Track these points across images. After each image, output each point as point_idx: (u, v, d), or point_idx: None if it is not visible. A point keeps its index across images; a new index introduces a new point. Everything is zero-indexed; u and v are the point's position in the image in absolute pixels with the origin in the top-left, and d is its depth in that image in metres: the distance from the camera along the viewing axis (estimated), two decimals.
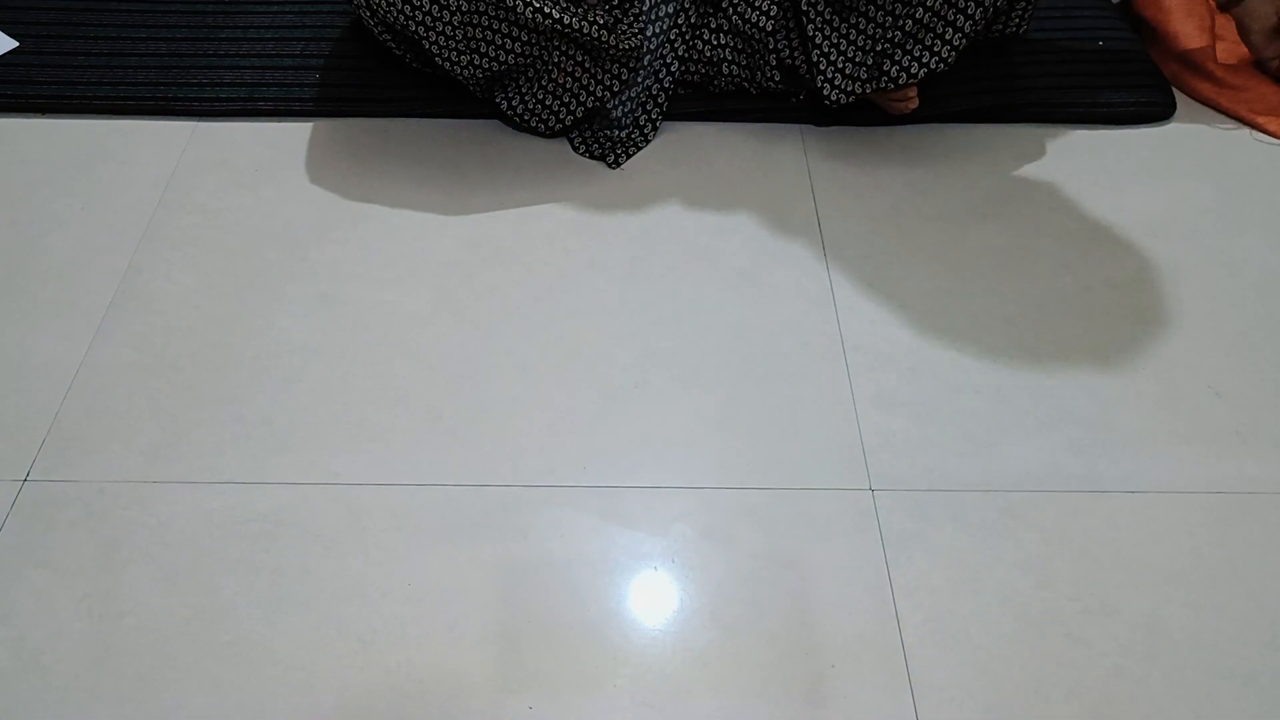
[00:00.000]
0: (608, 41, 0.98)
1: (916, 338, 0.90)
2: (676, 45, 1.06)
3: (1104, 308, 0.93)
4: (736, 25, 1.05)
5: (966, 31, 0.97)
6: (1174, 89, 1.15)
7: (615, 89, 1.04)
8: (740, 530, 0.77)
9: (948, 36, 0.97)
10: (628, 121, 1.07)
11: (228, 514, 0.77)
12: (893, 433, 0.83)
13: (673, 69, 1.06)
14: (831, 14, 1.01)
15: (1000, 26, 1.06)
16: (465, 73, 1.00)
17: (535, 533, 0.77)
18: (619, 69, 1.03)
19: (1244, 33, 1.10)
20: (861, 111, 1.09)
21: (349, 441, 0.82)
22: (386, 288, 0.93)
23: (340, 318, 0.91)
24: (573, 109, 1.04)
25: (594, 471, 0.81)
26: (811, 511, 0.78)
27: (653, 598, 0.74)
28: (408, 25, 0.96)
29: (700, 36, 1.07)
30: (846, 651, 0.71)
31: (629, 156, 1.05)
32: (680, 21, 1.05)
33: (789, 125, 1.10)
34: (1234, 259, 0.98)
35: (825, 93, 1.01)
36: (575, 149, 1.06)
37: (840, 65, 1.00)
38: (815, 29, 1.01)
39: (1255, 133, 1.11)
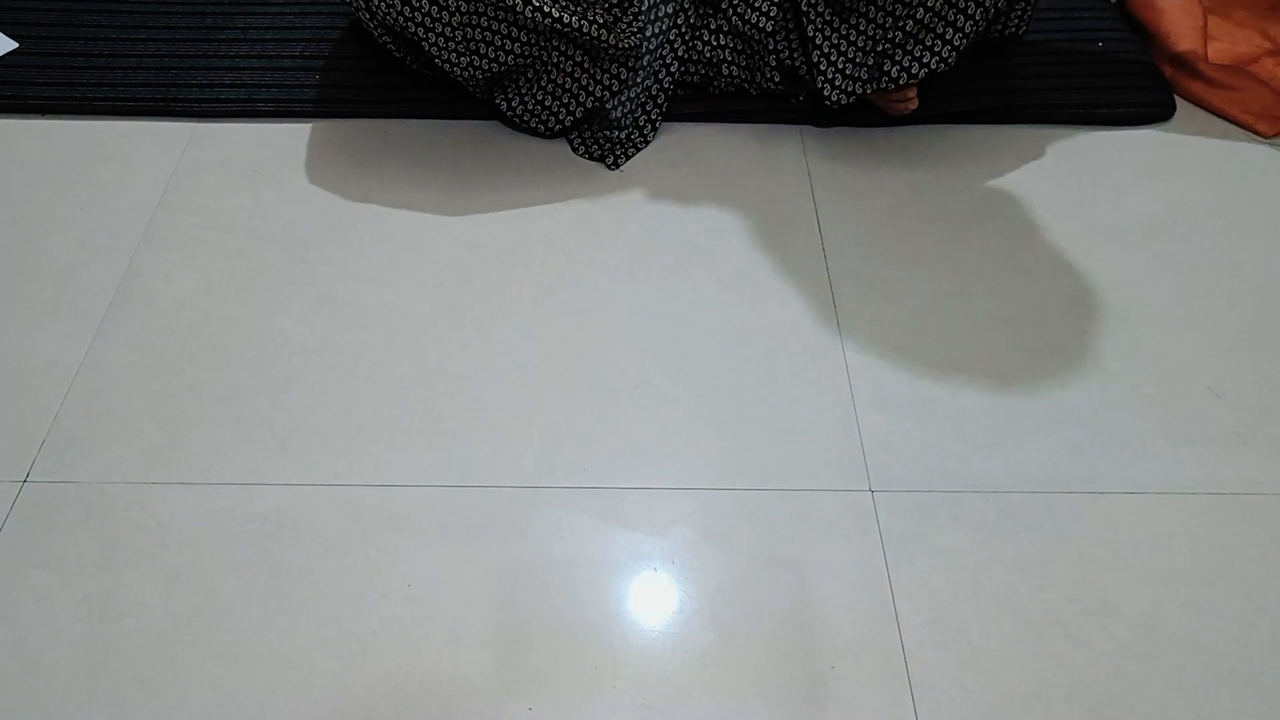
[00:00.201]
0: (607, 41, 0.98)
1: (916, 338, 0.90)
2: (676, 46, 1.06)
3: (1103, 308, 0.93)
4: (736, 26, 1.05)
5: (967, 32, 0.97)
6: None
7: (614, 89, 1.04)
8: (740, 531, 0.77)
9: (948, 37, 0.97)
10: (627, 122, 1.07)
11: (227, 515, 0.77)
12: (892, 434, 0.83)
13: (672, 69, 1.06)
14: (831, 15, 1.01)
15: (1000, 27, 1.06)
16: (464, 74, 1.00)
17: (535, 534, 0.77)
18: (618, 69, 1.03)
19: None
20: (861, 112, 1.09)
21: (348, 442, 0.82)
22: (386, 289, 0.93)
23: (340, 318, 0.91)
24: (572, 109, 1.04)
25: (594, 472, 0.80)
26: (811, 513, 0.78)
27: (652, 599, 0.74)
28: (407, 26, 0.96)
29: (700, 37, 1.07)
30: (846, 653, 0.71)
31: (628, 158, 1.05)
32: (680, 22, 1.05)
33: (789, 126, 1.10)
34: (1233, 260, 0.98)
35: (825, 93, 1.02)
36: (575, 150, 1.06)
37: (840, 66, 1.00)
38: (815, 29, 1.01)
39: (1253, 134, 1.11)
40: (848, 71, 1.00)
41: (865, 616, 0.73)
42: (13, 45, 1.14)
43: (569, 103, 1.04)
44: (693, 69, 1.09)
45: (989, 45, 1.12)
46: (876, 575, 0.75)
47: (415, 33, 0.96)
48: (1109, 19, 1.22)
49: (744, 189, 1.03)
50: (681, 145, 1.08)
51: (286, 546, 0.76)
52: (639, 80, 1.06)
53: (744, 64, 1.07)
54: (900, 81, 0.99)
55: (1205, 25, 1.18)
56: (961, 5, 0.94)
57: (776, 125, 1.10)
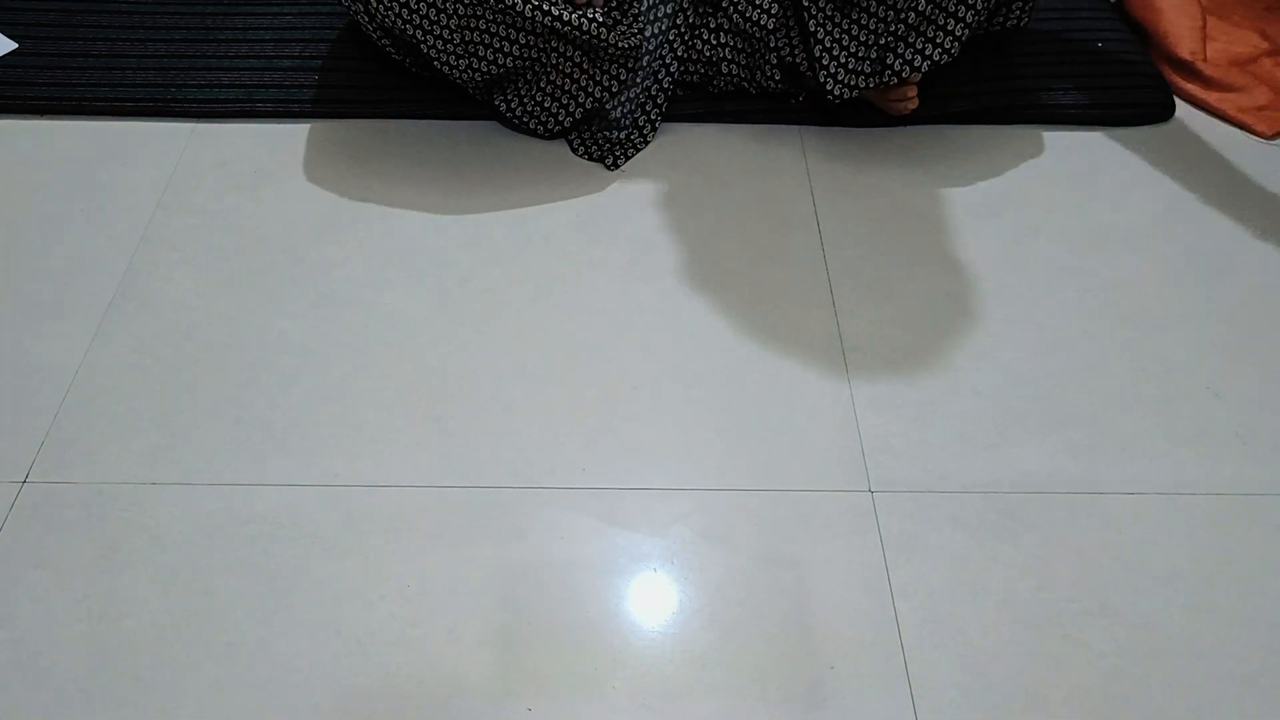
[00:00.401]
0: (606, 40, 0.98)
1: (916, 339, 0.90)
2: (675, 46, 1.06)
3: (1103, 308, 0.93)
4: (737, 24, 1.05)
5: (968, 22, 0.97)
6: None
7: (614, 89, 1.04)
8: (739, 532, 0.77)
9: (950, 28, 0.97)
10: (626, 122, 1.07)
11: (226, 515, 0.77)
12: (892, 434, 0.83)
13: (672, 69, 1.06)
14: (833, 10, 1.00)
15: (1001, 19, 1.06)
16: (463, 76, 1.00)
17: (534, 534, 0.77)
18: (617, 69, 1.03)
19: None
20: (861, 112, 1.09)
21: (348, 443, 0.82)
22: (385, 289, 0.93)
23: (339, 319, 0.91)
24: (571, 110, 1.04)
25: (593, 473, 0.80)
26: (811, 513, 0.78)
27: (652, 599, 0.74)
28: (405, 29, 0.96)
29: (699, 36, 1.07)
30: (846, 653, 0.71)
31: (628, 158, 1.05)
32: (679, 22, 1.05)
33: (788, 127, 1.10)
34: (1232, 260, 0.98)
35: (829, 88, 1.01)
36: (574, 150, 1.06)
37: (843, 60, 1.00)
38: (817, 24, 1.01)
39: (1251, 134, 1.11)
40: (850, 66, 1.00)
41: (865, 617, 0.73)
42: (12, 46, 1.14)
43: (568, 104, 1.04)
44: (692, 68, 1.09)
45: (990, 39, 1.12)
46: (876, 575, 0.75)
47: (414, 35, 0.96)
48: (1108, 19, 1.22)
49: (743, 189, 1.03)
50: (681, 146, 1.08)
51: (285, 547, 0.76)
52: (638, 80, 1.06)
53: (744, 62, 1.07)
54: (903, 75, 0.99)
55: (1204, 26, 1.18)
56: None
57: (776, 126, 1.10)
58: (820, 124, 1.10)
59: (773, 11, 1.02)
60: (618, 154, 1.05)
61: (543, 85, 1.02)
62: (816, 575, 0.75)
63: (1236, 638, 0.72)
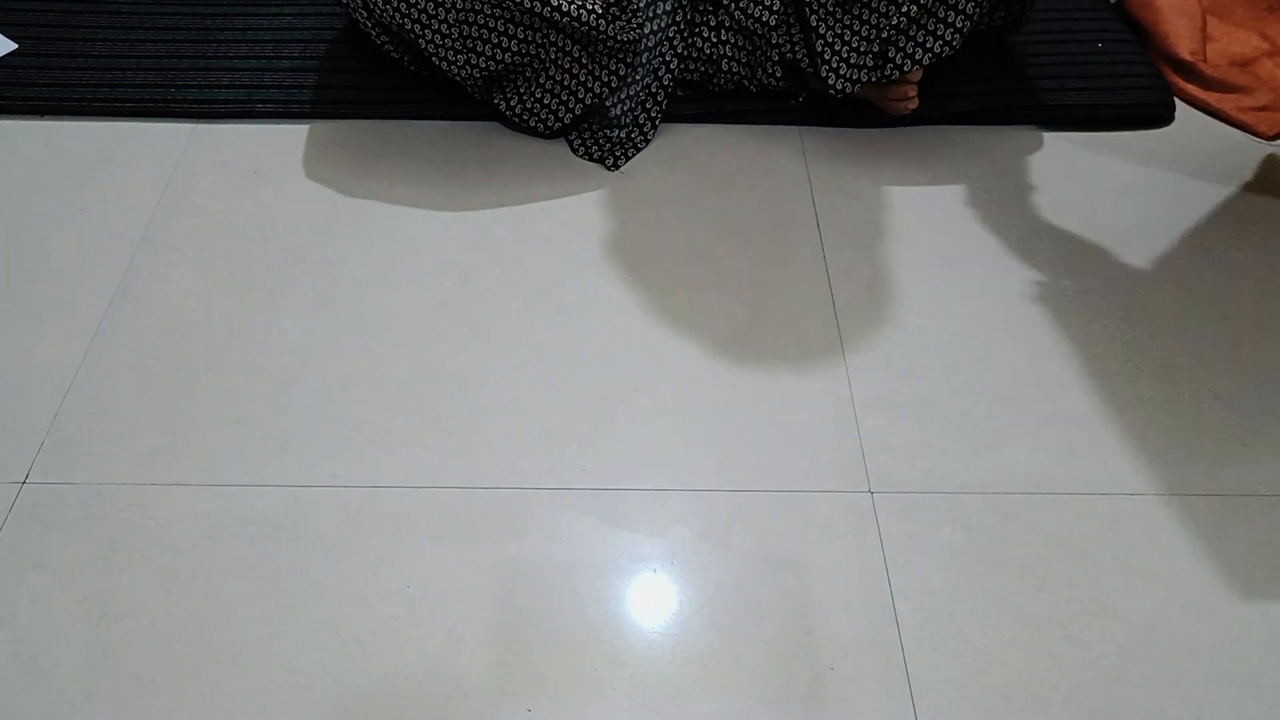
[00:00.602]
0: (605, 33, 0.98)
1: (916, 339, 0.90)
2: (675, 43, 1.06)
3: (1103, 309, 0.93)
4: (739, 21, 1.05)
5: (969, 14, 0.97)
6: None
7: (613, 85, 1.04)
8: (739, 532, 0.77)
9: (950, 20, 0.97)
10: (627, 121, 1.07)
11: (226, 516, 0.77)
12: (891, 435, 0.83)
13: (672, 67, 1.06)
14: (835, 5, 1.00)
15: (1002, 14, 1.06)
16: (463, 73, 1.00)
17: (534, 535, 0.77)
18: (616, 64, 1.03)
19: None
20: (861, 113, 1.09)
21: (347, 443, 0.82)
22: (385, 289, 0.93)
23: (338, 319, 0.91)
24: (571, 106, 1.04)
25: (592, 473, 0.80)
26: (810, 514, 0.78)
27: (651, 600, 0.74)
28: (404, 24, 0.96)
29: (700, 34, 1.07)
30: (845, 654, 0.71)
31: (628, 158, 1.05)
32: (678, 19, 1.05)
33: (788, 127, 1.10)
34: (1233, 261, 0.98)
35: (830, 82, 1.01)
36: (574, 151, 1.06)
37: (845, 55, 1.00)
38: (819, 20, 1.01)
39: (1251, 134, 1.11)
40: (852, 60, 1.00)
41: (864, 617, 0.73)
42: (12, 46, 1.14)
43: (568, 100, 1.04)
44: (693, 66, 1.09)
45: (991, 37, 1.11)
46: (875, 576, 0.75)
47: (412, 30, 0.96)
48: (1109, 20, 1.22)
49: (743, 190, 1.03)
50: (681, 146, 1.08)
51: (285, 547, 0.76)
52: (638, 78, 1.06)
53: (745, 60, 1.07)
54: (905, 68, 0.99)
55: (1204, 26, 1.18)
56: None
57: (776, 126, 1.10)
58: (820, 124, 1.10)
59: (774, 9, 1.02)
60: (618, 154, 1.05)
61: (542, 82, 1.02)
62: (816, 576, 0.75)
63: (1236, 638, 0.72)
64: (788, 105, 1.10)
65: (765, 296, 0.94)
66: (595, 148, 1.06)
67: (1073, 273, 0.96)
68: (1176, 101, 1.14)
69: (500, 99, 1.04)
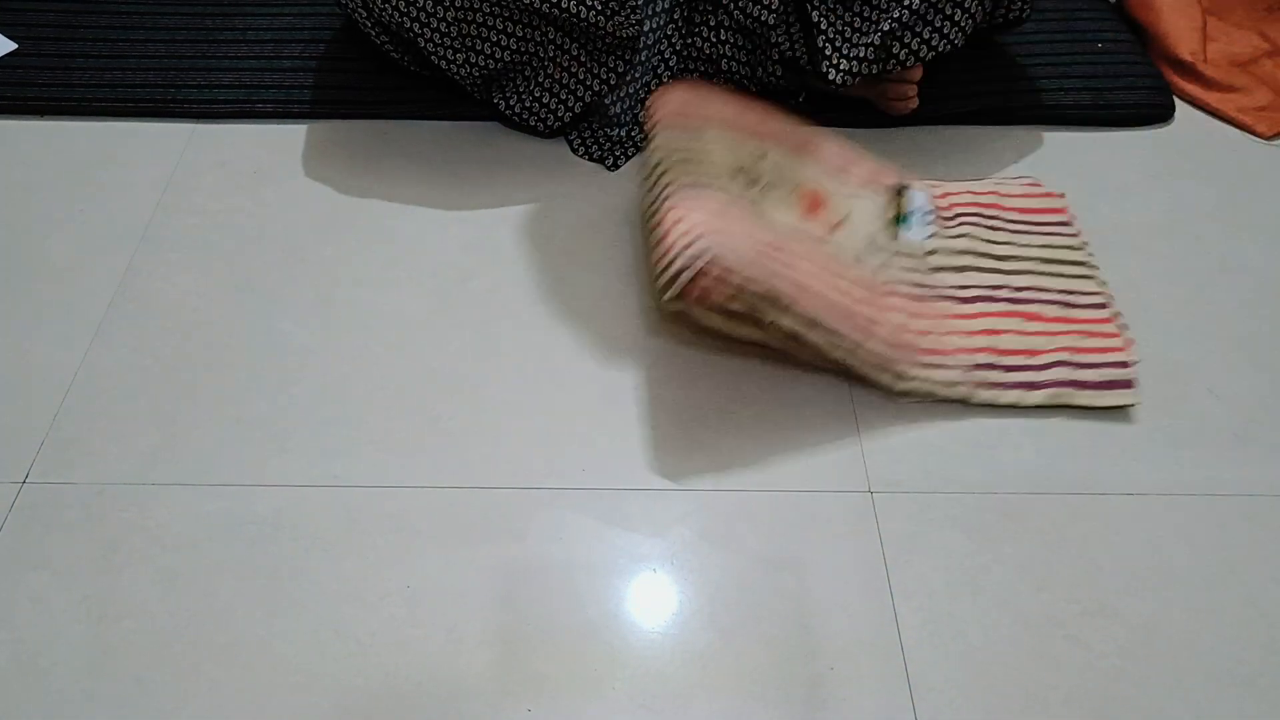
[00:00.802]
0: (605, 28, 0.98)
1: None
2: (674, 40, 1.06)
3: None
4: (738, 19, 1.04)
5: (972, 11, 0.97)
6: None
7: (612, 82, 1.04)
8: (739, 532, 0.77)
9: (955, 16, 0.97)
10: (626, 119, 1.07)
11: (226, 516, 0.77)
12: (892, 434, 0.83)
13: (670, 64, 1.06)
14: (835, 1, 1.00)
15: (1004, 12, 1.06)
16: (461, 71, 1.00)
17: (534, 535, 0.77)
18: (615, 61, 1.02)
19: None
20: (861, 113, 1.09)
21: (347, 443, 0.82)
22: (385, 289, 0.93)
23: (338, 319, 0.91)
24: (570, 105, 1.04)
25: (592, 473, 0.80)
26: (810, 513, 0.78)
27: (651, 600, 0.74)
28: (403, 23, 0.96)
29: (699, 34, 1.07)
30: (845, 654, 0.71)
31: (628, 158, 1.05)
32: (676, 16, 1.05)
33: None
34: (1232, 261, 0.98)
35: (830, 76, 1.00)
36: (574, 150, 1.06)
37: (845, 51, 0.99)
38: (820, 15, 1.00)
39: (1252, 134, 1.11)
40: (854, 54, 0.99)
41: (864, 617, 0.73)
42: (12, 46, 1.14)
43: (567, 99, 1.04)
44: (693, 65, 1.08)
45: (992, 32, 1.11)
46: (876, 576, 0.75)
47: (411, 29, 0.96)
48: (1109, 20, 1.22)
49: None
50: None
51: (285, 547, 0.76)
52: (637, 75, 1.06)
53: (744, 59, 1.07)
54: (908, 64, 0.99)
55: (1204, 26, 1.18)
56: None
57: None
58: (821, 124, 1.10)
59: (773, 7, 1.02)
60: (618, 154, 1.05)
61: (540, 80, 1.02)
62: (816, 575, 0.75)
63: (1236, 638, 0.72)
64: (788, 105, 1.10)
65: None
66: (595, 147, 1.06)
67: None
68: (1176, 101, 1.14)
69: (499, 98, 1.04)
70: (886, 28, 0.97)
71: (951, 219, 0.95)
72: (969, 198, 0.98)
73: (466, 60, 0.98)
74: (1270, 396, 0.87)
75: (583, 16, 0.96)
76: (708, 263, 0.73)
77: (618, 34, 0.99)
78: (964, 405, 0.84)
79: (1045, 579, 0.75)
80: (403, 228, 0.99)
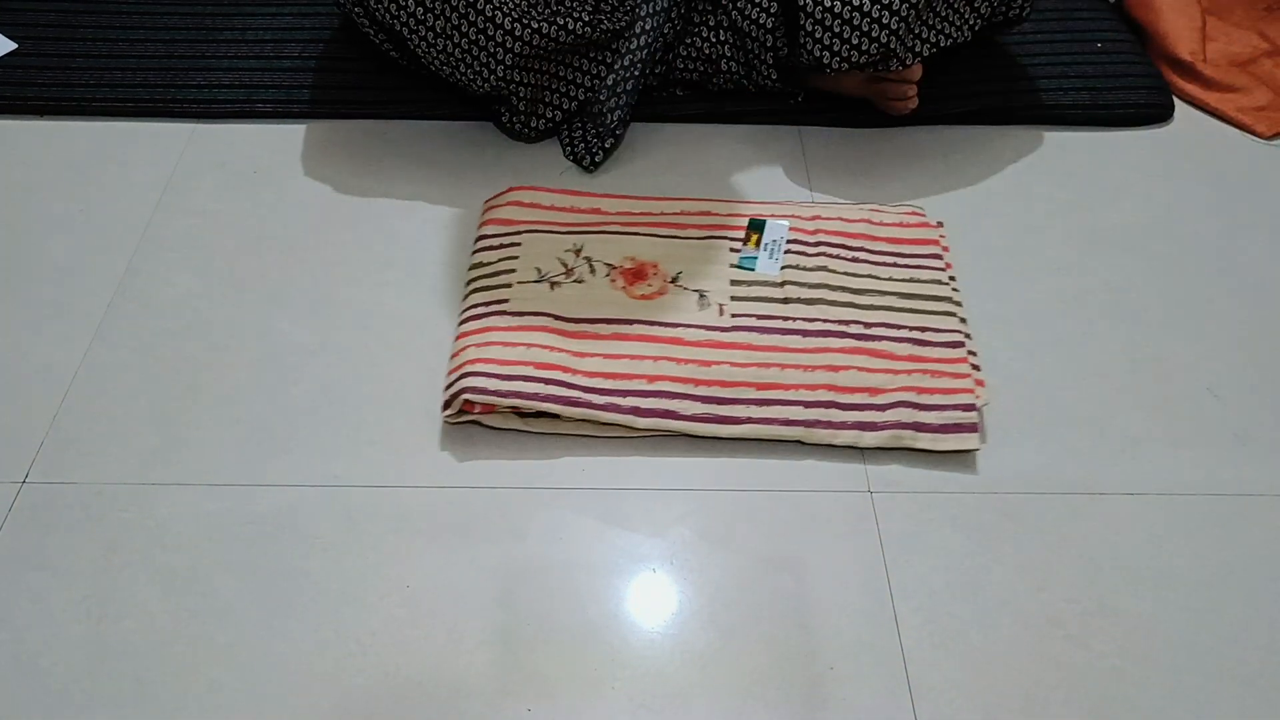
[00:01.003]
0: (591, 38, 0.98)
1: None
2: (669, 39, 1.05)
3: (1102, 309, 0.93)
4: (735, 21, 1.04)
5: (979, 10, 0.97)
6: None
7: (600, 74, 1.03)
8: (739, 532, 0.77)
9: (959, 14, 0.97)
10: (621, 116, 1.05)
11: (226, 516, 0.77)
12: None
13: (669, 64, 1.06)
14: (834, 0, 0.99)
15: (1004, 10, 1.06)
16: (453, 80, 1.00)
17: (534, 535, 0.77)
18: (601, 53, 1.02)
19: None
20: (861, 113, 1.09)
21: (347, 443, 0.82)
22: (384, 289, 0.93)
23: (338, 319, 0.91)
24: (564, 108, 1.04)
25: (592, 473, 0.80)
26: (810, 513, 0.78)
27: (651, 600, 0.74)
28: (394, 25, 0.96)
29: (699, 34, 1.07)
30: (845, 654, 0.71)
31: (606, 153, 1.04)
32: (675, 17, 1.05)
33: (788, 127, 1.10)
34: (1232, 260, 0.98)
35: (824, 60, 0.99)
36: (564, 152, 1.06)
37: (845, 35, 0.97)
38: (823, 11, 0.98)
39: (1251, 134, 1.11)
40: (852, 41, 0.97)
41: (864, 617, 0.73)
42: (12, 46, 1.14)
43: (560, 102, 1.04)
44: (692, 65, 1.08)
45: (992, 31, 1.11)
46: (875, 576, 0.75)
47: (402, 31, 0.96)
48: (1108, 20, 1.22)
49: (744, 189, 1.03)
50: (680, 146, 1.08)
51: (285, 547, 0.76)
52: (625, 64, 1.05)
53: (743, 59, 1.07)
54: (907, 62, 0.99)
55: (1204, 26, 1.18)
56: None
57: (775, 126, 1.10)
58: (820, 124, 1.10)
59: (772, 10, 1.02)
60: (594, 151, 1.04)
61: (522, 94, 1.02)
62: (816, 576, 0.75)
63: (1236, 638, 0.72)
64: (787, 105, 1.10)
65: None
66: (582, 145, 1.05)
67: (1072, 272, 0.96)
68: (1176, 101, 1.14)
69: (496, 106, 1.05)
70: (884, 20, 0.95)
71: (814, 246, 0.94)
72: (838, 224, 0.96)
73: (453, 72, 0.98)
74: (1270, 396, 0.87)
75: (563, 40, 0.96)
76: (471, 393, 0.80)
77: (605, 29, 0.98)
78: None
79: (1045, 579, 0.75)
80: (402, 227, 0.99)
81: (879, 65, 0.99)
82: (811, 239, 0.94)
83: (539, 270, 0.90)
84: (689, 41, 1.07)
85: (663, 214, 0.97)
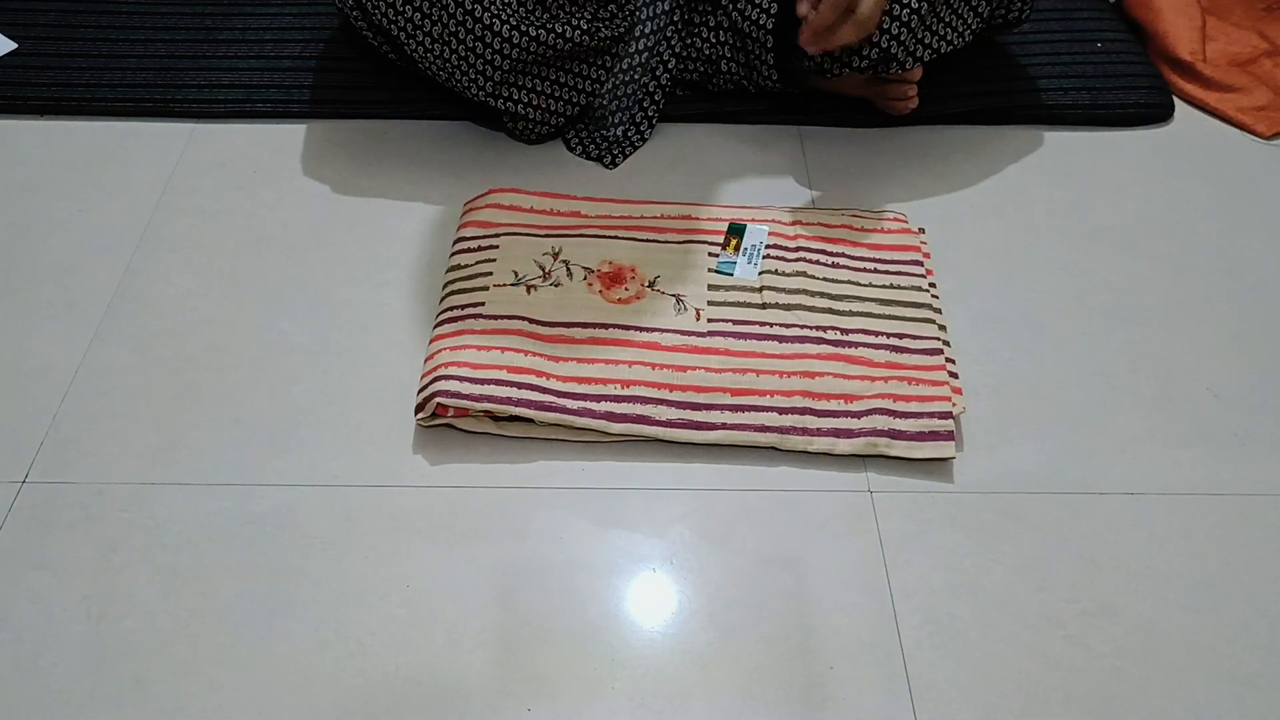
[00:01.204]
0: (589, 45, 0.98)
1: None
2: (673, 42, 1.06)
3: (1102, 309, 0.93)
4: (735, 22, 1.04)
5: (980, 12, 0.97)
6: None
7: (600, 79, 1.03)
8: (738, 532, 0.77)
9: (959, 18, 0.97)
10: (624, 119, 1.07)
11: (226, 516, 0.77)
12: None
13: (670, 66, 1.06)
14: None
15: (1004, 12, 1.06)
16: (459, 87, 1.00)
17: (533, 535, 0.77)
18: (600, 57, 1.02)
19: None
20: (861, 113, 1.09)
21: (347, 443, 0.82)
22: (384, 289, 0.93)
23: (338, 319, 0.91)
24: (566, 113, 1.04)
25: (592, 473, 0.80)
26: (810, 513, 0.78)
27: (651, 600, 0.74)
28: (390, 29, 0.96)
29: (699, 34, 1.07)
30: (845, 653, 0.71)
31: (625, 156, 1.05)
32: (676, 19, 1.05)
33: (788, 127, 1.10)
34: (1232, 260, 0.98)
35: (825, 65, 0.99)
36: (571, 149, 1.06)
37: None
38: None
39: (1251, 134, 1.12)
40: (853, 46, 0.98)
41: (864, 617, 0.73)
42: (12, 46, 1.14)
43: (562, 109, 1.04)
44: (692, 66, 1.08)
45: (992, 32, 1.11)
46: (875, 576, 0.75)
47: (399, 36, 0.96)
48: (1108, 19, 1.22)
49: (743, 189, 1.03)
50: (680, 146, 1.08)
51: (285, 547, 0.76)
52: (624, 66, 1.05)
53: (743, 60, 1.07)
54: (908, 66, 0.99)
55: (1203, 26, 1.18)
56: None
57: (776, 126, 1.10)
58: (820, 124, 1.10)
59: (772, 12, 1.02)
60: (615, 152, 1.05)
61: (521, 97, 1.02)
62: (816, 575, 0.75)
63: (1236, 638, 0.72)
64: (787, 105, 1.10)
65: None
66: (592, 146, 1.06)
67: (1072, 272, 0.97)
68: (1176, 101, 1.14)
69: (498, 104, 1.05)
70: (884, 26, 0.96)
71: (793, 252, 0.93)
72: (819, 230, 0.95)
73: (448, 78, 0.98)
74: (1270, 396, 0.87)
75: (568, 37, 0.96)
76: (444, 396, 0.79)
77: (604, 35, 0.98)
78: (964, 403, 0.84)
79: (1045, 579, 0.75)
80: (402, 227, 0.99)
81: (879, 68, 1.00)
82: (791, 244, 0.94)
83: (516, 273, 0.90)
84: (689, 42, 1.07)
85: (643, 218, 0.97)
